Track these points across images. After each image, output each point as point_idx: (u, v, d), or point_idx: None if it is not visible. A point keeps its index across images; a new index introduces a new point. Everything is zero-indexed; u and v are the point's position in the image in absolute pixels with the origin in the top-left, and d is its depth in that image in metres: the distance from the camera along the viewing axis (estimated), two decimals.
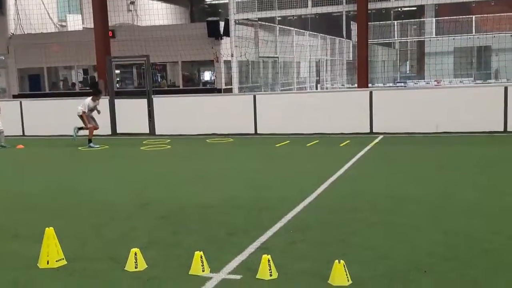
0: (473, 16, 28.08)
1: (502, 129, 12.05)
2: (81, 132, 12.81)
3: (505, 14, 27.38)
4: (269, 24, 20.39)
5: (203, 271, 4.21)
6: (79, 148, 12.47)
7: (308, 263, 4.45)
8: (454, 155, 9.89)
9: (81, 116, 12.63)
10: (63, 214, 6.47)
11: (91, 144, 12.62)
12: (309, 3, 15.47)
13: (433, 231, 5.28)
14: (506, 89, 12.21)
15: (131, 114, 14.79)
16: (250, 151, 11.63)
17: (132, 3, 27.82)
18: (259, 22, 19.07)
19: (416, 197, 6.70)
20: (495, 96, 12.17)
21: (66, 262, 4.59)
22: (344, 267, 4.00)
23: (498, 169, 8.38)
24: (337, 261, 4.01)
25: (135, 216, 6.23)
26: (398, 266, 4.35)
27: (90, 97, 12.83)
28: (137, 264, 4.36)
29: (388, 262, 4.44)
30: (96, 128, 12.87)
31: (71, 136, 12.88)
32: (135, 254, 4.37)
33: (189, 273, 4.24)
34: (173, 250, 4.90)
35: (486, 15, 27.69)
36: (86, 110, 12.65)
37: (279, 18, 21.58)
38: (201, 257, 4.23)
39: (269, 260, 4.12)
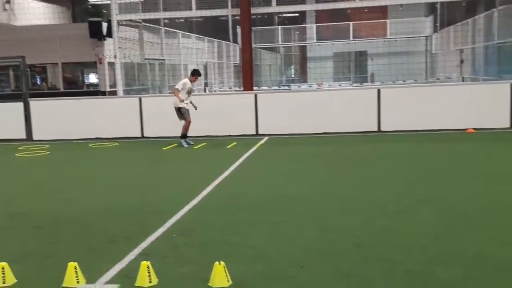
0: (351, 23, 29.78)
1: (376, 129, 12.88)
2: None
3: (379, 20, 29.37)
4: (154, 26, 20.07)
5: (77, 282, 4.02)
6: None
7: (189, 266, 4.42)
8: (332, 154, 10.39)
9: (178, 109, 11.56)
10: None
11: (187, 140, 11.81)
12: (193, 5, 15.44)
13: (311, 227, 5.50)
14: (379, 91, 13.07)
15: (6, 118, 13.82)
16: (135, 155, 11.36)
17: (8, 2, 26.01)
18: (144, 24, 18.71)
19: (297, 195, 6.94)
20: (369, 98, 12.97)
21: None
22: (225, 268, 4.03)
23: (372, 166, 8.92)
24: (217, 262, 4.03)
25: (5, 228, 5.81)
26: (277, 263, 4.47)
27: (187, 78, 11.93)
28: (4, 279, 4.06)
29: (268, 260, 4.55)
30: (189, 122, 11.81)
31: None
32: (3, 268, 4.07)
33: (63, 286, 4.03)
34: (46, 262, 4.64)
35: (362, 21, 29.51)
36: (180, 88, 11.55)
37: (166, 21, 21.31)
38: (75, 268, 4.04)
39: (148, 267, 4.04)
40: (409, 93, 13.31)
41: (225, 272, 4.02)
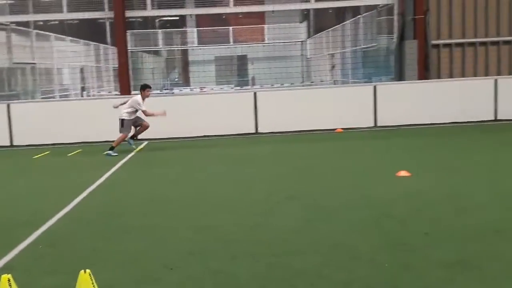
0: (230, 27, 30.33)
1: (254, 131, 13.28)
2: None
3: (257, 26, 30.23)
4: (24, 28, 18.96)
5: None
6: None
7: (55, 277, 4.32)
8: (211, 157, 10.57)
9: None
10: None
11: (112, 152, 10.93)
12: (65, 8, 14.87)
13: (184, 228, 5.60)
14: (255, 94, 13.51)
15: None
16: (2, 165, 10.70)
17: None
18: (12, 27, 17.61)
19: (173, 198, 7.01)
20: (247, 101, 13.35)
21: None
22: (90, 276, 3.99)
23: (247, 167, 9.21)
24: (82, 271, 3.98)
25: None
26: (146, 266, 4.52)
27: (139, 94, 11.14)
28: None
29: (138, 265, 4.57)
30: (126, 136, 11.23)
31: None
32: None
33: None
34: None
35: (241, 26, 30.19)
36: (143, 107, 10.95)
37: (41, 23, 20.22)
38: None
39: (9, 280, 3.88)
40: (284, 96, 13.88)
41: (91, 280, 3.98)
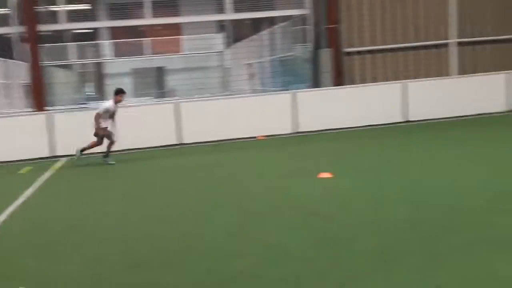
0: (147, 39, 30.05)
1: (177, 142, 13.22)
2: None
3: (175, 37, 30.16)
4: None
5: None
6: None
7: None
8: (135, 169, 10.46)
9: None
10: None
11: (108, 159, 10.88)
12: None
13: (116, 242, 5.54)
14: (177, 105, 13.47)
15: None
16: None
17: None
18: None
19: (99, 212, 6.91)
20: (168, 112, 13.29)
21: None
22: None
23: (174, 177, 9.21)
24: None
25: None
26: (81, 283, 4.44)
27: (112, 99, 10.32)
28: None
29: (71, 282, 4.49)
30: (112, 143, 10.78)
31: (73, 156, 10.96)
32: None
33: None
34: None
35: (158, 38, 29.98)
36: (102, 112, 10.08)
37: None
38: None
39: None
40: (206, 106, 13.92)
41: None
